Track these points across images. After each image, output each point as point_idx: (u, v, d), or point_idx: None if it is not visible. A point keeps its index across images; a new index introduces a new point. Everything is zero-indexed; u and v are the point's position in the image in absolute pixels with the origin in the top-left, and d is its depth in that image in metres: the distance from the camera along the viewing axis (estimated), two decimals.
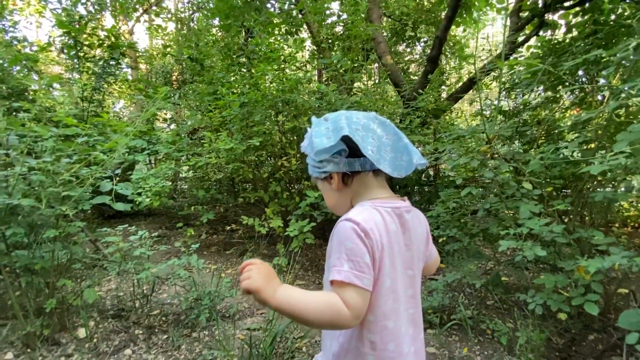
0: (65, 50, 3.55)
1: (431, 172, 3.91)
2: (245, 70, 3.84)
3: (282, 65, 3.06)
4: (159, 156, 3.95)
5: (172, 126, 4.15)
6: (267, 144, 2.94)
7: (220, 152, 2.72)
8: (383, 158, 0.69)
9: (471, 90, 3.89)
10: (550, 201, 1.58)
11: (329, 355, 0.73)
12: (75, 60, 3.86)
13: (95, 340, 1.80)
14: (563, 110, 2.51)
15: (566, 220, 1.68)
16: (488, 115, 2.74)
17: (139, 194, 2.87)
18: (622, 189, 1.52)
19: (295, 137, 2.84)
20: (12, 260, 1.67)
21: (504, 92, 2.67)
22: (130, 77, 6.46)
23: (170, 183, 3.11)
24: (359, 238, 0.63)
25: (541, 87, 2.40)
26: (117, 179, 2.64)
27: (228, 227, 3.42)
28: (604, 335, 1.67)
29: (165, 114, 4.97)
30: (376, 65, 5.65)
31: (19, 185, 1.50)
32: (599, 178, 1.60)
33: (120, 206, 2.50)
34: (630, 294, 1.55)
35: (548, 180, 1.67)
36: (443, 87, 4.81)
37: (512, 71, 2.43)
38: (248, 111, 2.76)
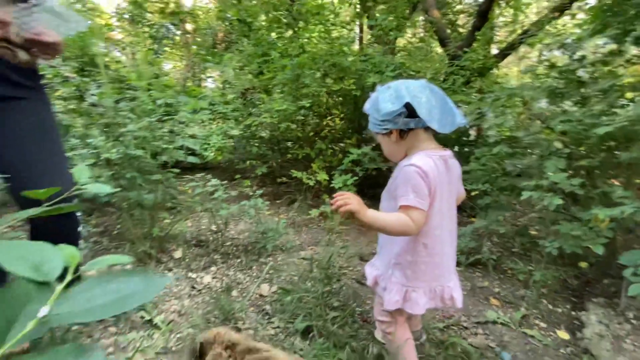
0: (134, 19, 3.92)
1: (472, 133, 3.95)
2: (291, 30, 3.99)
3: (329, 28, 3.18)
4: (214, 115, 4.38)
5: (225, 87, 4.51)
6: (313, 105, 3.19)
7: (272, 112, 3.03)
8: (433, 118, 0.96)
9: (522, 47, 3.73)
10: (581, 160, 1.72)
11: (390, 255, 1.07)
12: (139, 27, 4.25)
13: (187, 260, 2.35)
14: (626, 66, 2.40)
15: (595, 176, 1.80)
16: (538, 73, 2.72)
17: (205, 149, 3.34)
18: None
19: (340, 99, 3.05)
20: (127, 198, 2.20)
21: (558, 48, 2.60)
22: (177, 39, 6.81)
23: (229, 140, 3.53)
24: (420, 177, 0.94)
25: (603, 40, 2.32)
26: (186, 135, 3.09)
27: (279, 180, 3.84)
28: (618, 280, 1.86)
29: (219, 74, 5.34)
30: (422, 18, 5.43)
31: (131, 140, 1.95)
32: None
33: (192, 159, 2.96)
34: None
35: (582, 139, 1.78)
36: (493, 43, 4.58)
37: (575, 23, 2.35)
38: (297, 74, 3.00)
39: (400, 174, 0.98)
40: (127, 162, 1.94)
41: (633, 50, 2.32)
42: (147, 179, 2.15)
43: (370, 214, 0.93)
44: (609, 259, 1.94)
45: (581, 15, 2.58)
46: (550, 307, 1.69)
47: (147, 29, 4.68)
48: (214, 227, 2.63)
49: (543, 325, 1.56)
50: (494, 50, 4.62)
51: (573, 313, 1.65)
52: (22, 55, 1.20)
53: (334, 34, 3.37)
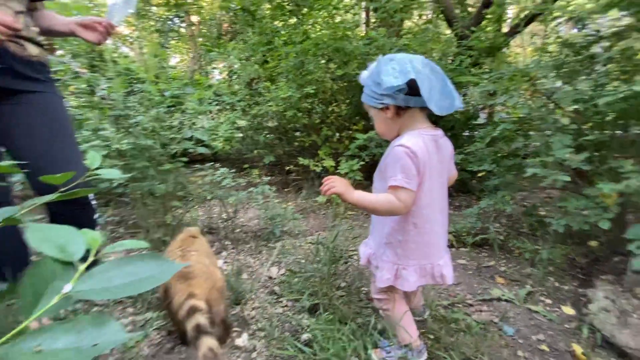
0: (139, 12, 3.95)
1: (482, 115, 3.86)
2: (295, 17, 3.95)
3: (333, 13, 3.15)
4: (220, 106, 4.43)
5: (232, 77, 4.55)
6: (318, 92, 3.18)
7: (278, 101, 3.05)
8: (432, 98, 0.93)
9: (533, 23, 3.60)
10: (589, 135, 1.68)
11: (382, 235, 1.09)
12: (145, 21, 4.29)
13: None
14: None
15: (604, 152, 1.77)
16: (550, 50, 2.63)
17: (214, 140, 3.39)
18: None
19: (344, 84, 3.04)
20: (141, 187, 2.28)
21: (572, 22, 2.50)
22: (183, 31, 6.84)
23: (237, 130, 3.58)
24: (409, 158, 0.93)
25: (621, 13, 2.22)
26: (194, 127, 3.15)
27: (286, 169, 3.88)
28: (628, 258, 1.83)
29: (225, 65, 5.36)
30: None
31: (141, 131, 2.01)
32: None
33: (202, 150, 3.02)
34: None
35: (591, 115, 1.74)
36: (504, 21, 4.43)
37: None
38: (301, 61, 2.99)
39: (389, 155, 0.98)
40: (138, 152, 2.00)
41: None
42: (158, 170, 2.22)
43: (356, 195, 0.95)
44: (618, 237, 1.91)
45: None
46: (557, 284, 1.70)
47: (152, 23, 4.72)
48: (224, 215, 2.70)
49: (548, 301, 1.57)
50: (506, 29, 4.47)
51: (580, 290, 1.65)
52: (32, 49, 1.25)
53: (338, 18, 3.33)
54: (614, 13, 2.27)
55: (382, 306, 1.14)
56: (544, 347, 1.28)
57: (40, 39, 1.31)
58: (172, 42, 5.20)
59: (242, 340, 1.37)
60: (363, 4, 4.92)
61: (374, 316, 1.37)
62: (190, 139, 3.12)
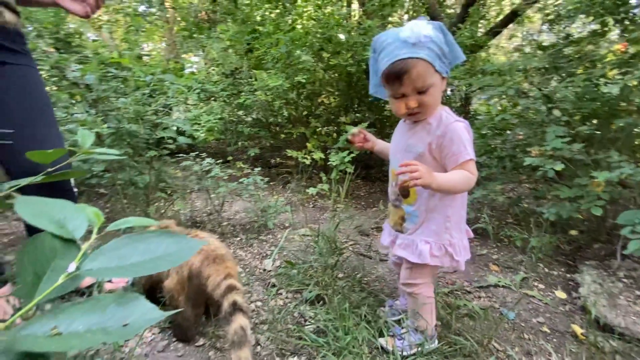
0: None
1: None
2: (281, 6, 3.85)
3: (321, 2, 3.09)
4: (202, 95, 4.22)
5: (212, 66, 4.36)
6: (308, 82, 3.12)
7: (266, 90, 2.95)
8: None
9: (512, 24, 3.75)
10: (577, 127, 1.76)
11: (442, 219, 1.02)
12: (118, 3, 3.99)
13: None
14: (608, 45, 2.45)
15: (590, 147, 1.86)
16: (528, 52, 2.74)
17: (195, 130, 3.23)
18: None
19: (335, 75, 2.99)
20: (121, 176, 2.11)
21: (547, 25, 2.62)
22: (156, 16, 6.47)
23: (219, 121, 3.42)
24: (468, 132, 0.96)
25: (590, 19, 2.34)
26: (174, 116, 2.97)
27: (272, 162, 3.79)
28: (607, 245, 1.95)
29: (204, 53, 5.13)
30: None
31: (124, 114, 1.85)
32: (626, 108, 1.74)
33: (183, 139, 2.87)
34: (632, 200, 1.78)
35: (578, 110, 1.82)
36: (482, 20, 4.58)
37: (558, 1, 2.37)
38: (289, 50, 2.91)
39: (448, 132, 0.94)
40: (119, 137, 1.85)
41: (615, 31, 2.35)
42: (138, 160, 2.06)
43: (439, 181, 0.87)
44: (598, 226, 2.03)
45: None
46: (547, 270, 1.76)
47: (125, 6, 4.42)
48: (208, 208, 2.58)
49: (541, 286, 1.63)
50: (481, 29, 4.63)
51: (568, 275, 1.73)
52: (8, 16, 1.10)
53: (327, 9, 3.28)
54: (583, 20, 2.40)
55: (415, 291, 1.10)
56: (545, 329, 1.32)
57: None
58: (147, 27, 4.89)
59: None
60: None
61: (377, 305, 1.34)
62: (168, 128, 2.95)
